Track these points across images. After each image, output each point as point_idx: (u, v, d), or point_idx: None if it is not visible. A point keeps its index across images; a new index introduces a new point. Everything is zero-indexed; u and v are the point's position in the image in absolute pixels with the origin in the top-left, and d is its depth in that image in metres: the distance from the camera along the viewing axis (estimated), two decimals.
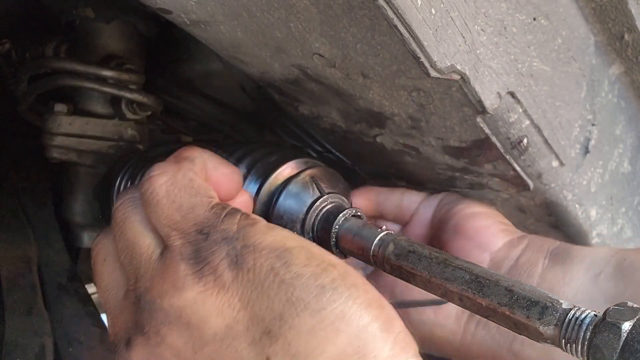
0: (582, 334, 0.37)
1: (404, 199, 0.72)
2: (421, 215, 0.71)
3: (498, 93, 0.51)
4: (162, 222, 0.41)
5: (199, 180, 0.44)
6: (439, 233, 0.68)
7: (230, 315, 0.37)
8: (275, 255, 0.38)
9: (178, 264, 0.39)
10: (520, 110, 0.54)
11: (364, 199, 0.73)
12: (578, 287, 0.57)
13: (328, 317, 0.36)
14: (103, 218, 0.81)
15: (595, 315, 0.38)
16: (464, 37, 0.47)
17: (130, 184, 0.73)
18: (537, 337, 0.40)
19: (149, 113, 0.84)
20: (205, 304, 0.38)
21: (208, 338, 0.38)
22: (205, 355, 0.38)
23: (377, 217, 0.74)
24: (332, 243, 0.54)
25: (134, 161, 0.77)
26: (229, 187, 0.49)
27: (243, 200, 0.52)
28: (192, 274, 0.39)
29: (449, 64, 0.46)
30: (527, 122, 0.56)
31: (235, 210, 0.42)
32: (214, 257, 0.39)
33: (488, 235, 0.63)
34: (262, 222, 0.42)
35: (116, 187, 0.75)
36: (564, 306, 0.39)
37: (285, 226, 0.56)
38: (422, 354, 0.39)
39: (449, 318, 0.63)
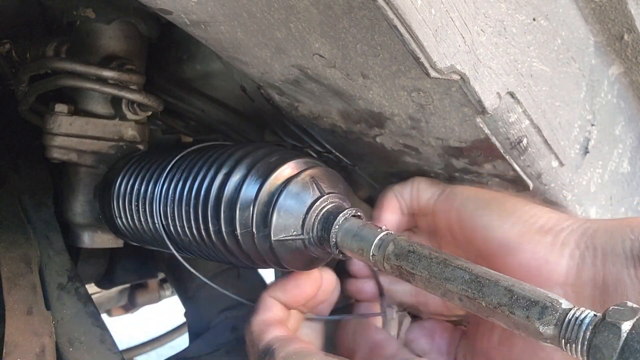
0: (582, 334, 0.38)
1: (415, 190, 0.67)
2: (442, 218, 0.63)
3: (498, 93, 0.51)
4: None
5: (256, 329, 0.58)
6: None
7: None
8: None
9: None
10: (520, 110, 0.54)
11: (392, 208, 0.69)
12: None
13: None
14: (103, 218, 0.81)
15: (595, 315, 0.38)
16: (463, 37, 0.47)
17: (132, 184, 0.73)
18: (537, 337, 0.40)
19: (150, 113, 0.84)
20: None
21: None
22: None
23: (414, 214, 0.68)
24: (332, 243, 0.54)
25: (134, 161, 0.77)
26: (304, 293, 0.61)
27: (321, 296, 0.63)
28: None
29: (448, 64, 0.46)
30: (527, 122, 0.56)
31: (272, 352, 0.53)
32: None
33: (546, 273, 0.51)
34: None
35: (116, 188, 0.75)
36: (563, 306, 0.39)
37: (285, 226, 0.56)
38: None
39: None
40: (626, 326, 0.36)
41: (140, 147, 0.84)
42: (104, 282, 1.13)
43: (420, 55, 0.45)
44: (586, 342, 0.37)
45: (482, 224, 0.56)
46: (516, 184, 0.63)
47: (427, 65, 0.46)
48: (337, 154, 0.78)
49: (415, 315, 0.71)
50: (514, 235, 0.54)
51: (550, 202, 0.66)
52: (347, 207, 0.56)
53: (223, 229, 0.58)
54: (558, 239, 0.52)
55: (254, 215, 0.56)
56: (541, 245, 0.52)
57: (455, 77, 0.48)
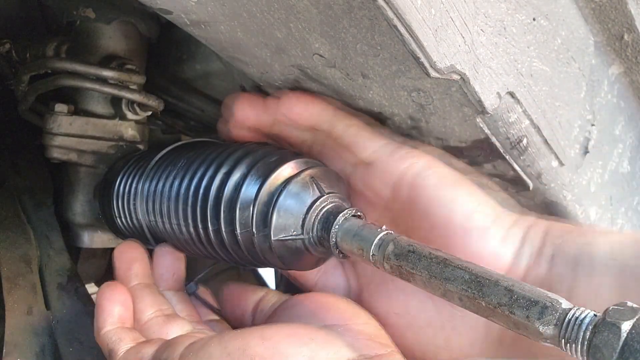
0: (582, 333, 0.37)
1: None
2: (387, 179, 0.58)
3: (498, 93, 0.51)
4: None
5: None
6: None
7: None
8: None
9: None
10: (520, 110, 0.54)
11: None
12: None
13: None
14: (103, 218, 0.81)
15: (595, 315, 0.38)
16: (463, 37, 0.47)
17: (131, 184, 0.73)
18: (537, 337, 0.40)
19: (150, 113, 0.84)
20: None
21: None
22: None
23: None
24: (332, 243, 0.54)
25: (134, 161, 0.77)
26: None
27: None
28: None
29: (448, 64, 0.46)
30: (527, 122, 0.56)
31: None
32: None
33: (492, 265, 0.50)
34: None
35: (116, 187, 0.75)
36: (563, 306, 0.39)
37: (285, 226, 0.56)
38: None
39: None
40: (626, 326, 0.36)
41: (140, 147, 0.84)
42: (104, 282, 1.13)
43: (420, 55, 0.45)
44: (586, 342, 0.37)
45: (447, 201, 0.53)
46: (516, 184, 0.63)
47: (427, 65, 0.46)
48: None
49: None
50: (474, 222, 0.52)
51: (550, 202, 0.66)
52: (347, 207, 0.56)
53: (222, 229, 0.58)
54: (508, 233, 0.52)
55: (254, 215, 0.56)
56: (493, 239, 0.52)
57: (455, 77, 0.48)
